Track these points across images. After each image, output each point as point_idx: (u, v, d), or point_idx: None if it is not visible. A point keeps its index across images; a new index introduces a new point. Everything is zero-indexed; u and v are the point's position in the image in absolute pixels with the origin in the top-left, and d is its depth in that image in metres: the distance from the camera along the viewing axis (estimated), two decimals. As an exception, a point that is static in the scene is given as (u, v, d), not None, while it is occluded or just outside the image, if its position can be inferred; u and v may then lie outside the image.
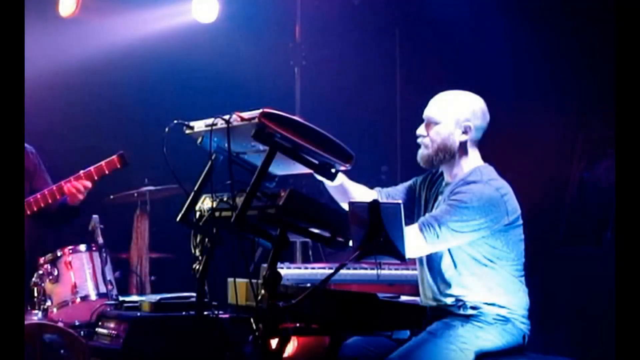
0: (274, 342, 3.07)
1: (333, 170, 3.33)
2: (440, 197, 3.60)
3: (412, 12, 7.26)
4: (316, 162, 3.27)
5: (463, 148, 3.59)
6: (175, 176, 3.33)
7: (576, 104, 6.36)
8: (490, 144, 3.71)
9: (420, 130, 3.63)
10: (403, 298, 3.71)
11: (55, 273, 5.11)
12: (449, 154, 3.58)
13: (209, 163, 3.41)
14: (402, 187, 3.83)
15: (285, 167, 3.39)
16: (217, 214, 3.30)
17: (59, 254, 5.16)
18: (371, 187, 3.82)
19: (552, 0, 6.43)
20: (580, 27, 6.23)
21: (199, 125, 3.38)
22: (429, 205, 3.67)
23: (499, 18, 6.49)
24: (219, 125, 3.25)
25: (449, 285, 3.52)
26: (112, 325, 4.56)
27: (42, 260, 5.12)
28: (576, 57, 6.29)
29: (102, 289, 5.15)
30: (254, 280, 3.23)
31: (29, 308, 4.91)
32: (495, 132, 3.70)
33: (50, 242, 5.32)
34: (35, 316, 4.83)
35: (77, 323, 4.94)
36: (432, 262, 3.56)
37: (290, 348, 4.46)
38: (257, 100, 3.88)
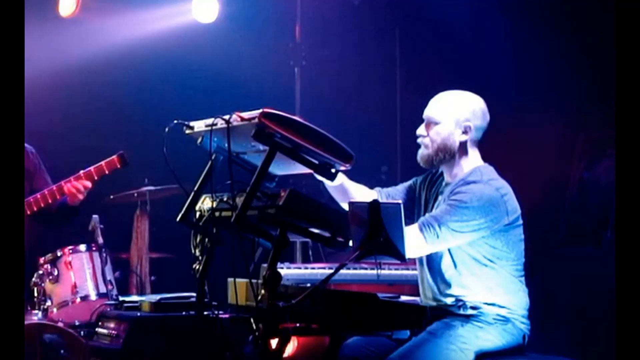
0: (274, 342, 3.07)
1: (333, 170, 3.33)
2: (440, 197, 3.60)
3: (412, 12, 7.25)
4: (316, 162, 3.27)
5: (463, 148, 3.59)
6: (175, 176, 3.33)
7: (576, 104, 6.36)
8: (490, 144, 3.71)
9: (420, 130, 3.63)
10: (403, 298, 3.71)
11: (55, 273, 5.10)
12: (449, 154, 3.58)
13: (209, 163, 3.41)
14: (402, 187, 3.83)
15: (285, 167, 3.39)
16: (217, 214, 3.30)
17: (59, 254, 5.15)
18: (371, 187, 3.82)
19: (552, 0, 6.42)
20: (580, 27, 6.23)
21: (199, 125, 3.38)
22: (429, 205, 3.67)
23: (499, 18, 6.49)
24: (219, 125, 3.25)
25: (449, 285, 3.52)
26: (112, 325, 4.55)
27: (42, 260, 5.12)
28: (576, 57, 6.29)
29: (102, 289, 5.15)
30: (254, 280, 3.23)
31: (29, 308, 4.91)
32: (495, 132, 3.70)
33: (50, 242, 5.31)
34: (35, 316, 4.83)
35: (77, 323, 4.93)
36: (432, 262, 3.56)
37: (290, 348, 4.46)
38: (257, 100, 3.89)
